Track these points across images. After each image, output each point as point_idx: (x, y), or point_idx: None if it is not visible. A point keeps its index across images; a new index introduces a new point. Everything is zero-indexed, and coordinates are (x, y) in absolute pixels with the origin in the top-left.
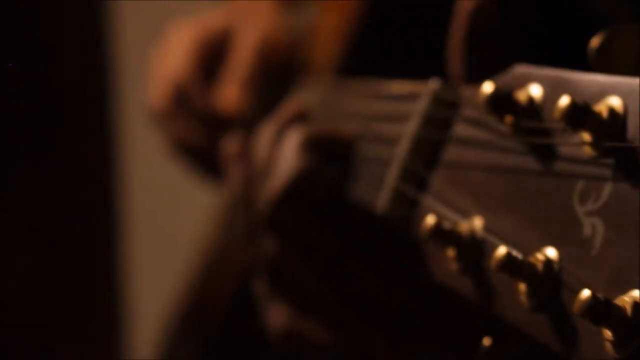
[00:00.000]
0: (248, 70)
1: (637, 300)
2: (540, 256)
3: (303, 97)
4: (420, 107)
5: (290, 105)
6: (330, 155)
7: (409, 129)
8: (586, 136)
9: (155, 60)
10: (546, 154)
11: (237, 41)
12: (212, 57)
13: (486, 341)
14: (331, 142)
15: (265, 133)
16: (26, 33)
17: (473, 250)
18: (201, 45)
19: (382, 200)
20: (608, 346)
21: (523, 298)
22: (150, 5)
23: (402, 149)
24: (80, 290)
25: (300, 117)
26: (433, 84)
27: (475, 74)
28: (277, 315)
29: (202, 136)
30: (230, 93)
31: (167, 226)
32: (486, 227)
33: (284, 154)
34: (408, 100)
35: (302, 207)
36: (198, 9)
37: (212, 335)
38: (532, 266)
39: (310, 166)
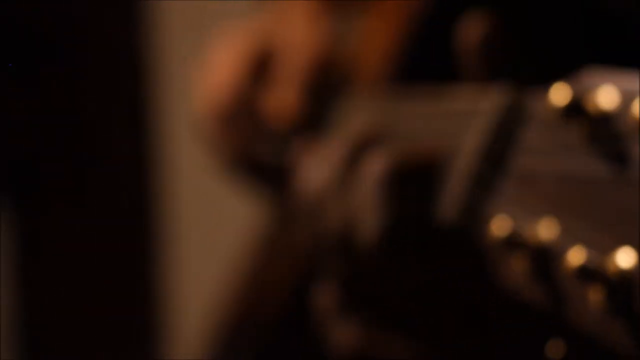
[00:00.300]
0: (303, 75)
1: None
2: (615, 261)
3: (359, 108)
4: (490, 111)
5: (362, 124)
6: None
7: (479, 134)
8: None
9: (202, 69)
10: (621, 159)
11: (286, 45)
12: (262, 62)
13: (557, 346)
14: (418, 166)
15: (334, 155)
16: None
17: (546, 256)
18: (251, 50)
19: (451, 211)
20: None
21: (598, 303)
22: (192, 15)
23: (472, 155)
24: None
25: (374, 141)
26: (501, 91)
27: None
28: (347, 332)
29: (254, 143)
30: (287, 97)
31: (211, 239)
32: (559, 234)
33: (365, 188)
34: (477, 105)
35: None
36: (239, 15)
37: (263, 347)
38: (608, 270)
39: (400, 208)
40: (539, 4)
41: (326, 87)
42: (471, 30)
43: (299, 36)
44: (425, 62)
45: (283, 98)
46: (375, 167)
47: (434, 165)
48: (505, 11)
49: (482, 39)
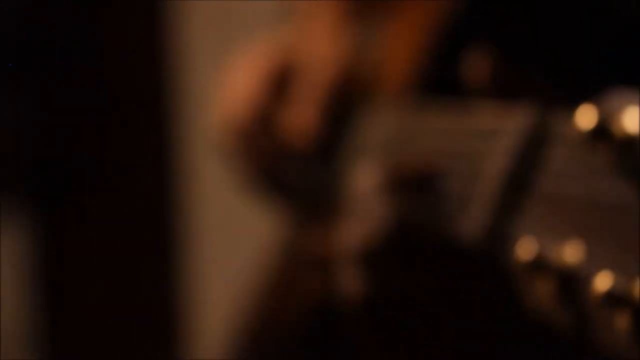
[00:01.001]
0: (323, 91)
1: None
2: None
3: (379, 123)
4: (512, 135)
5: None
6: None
7: (503, 152)
8: None
9: (223, 81)
10: None
11: (308, 61)
12: (283, 77)
13: None
14: (415, 179)
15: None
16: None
17: (571, 281)
18: (272, 65)
19: (477, 234)
20: None
21: (624, 328)
22: (216, 24)
23: (496, 181)
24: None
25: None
26: (525, 111)
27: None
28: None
29: (274, 159)
30: (305, 114)
31: (231, 244)
32: (585, 258)
33: (365, 197)
34: (502, 123)
35: (394, 254)
36: (263, 26)
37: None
38: (633, 297)
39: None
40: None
41: (348, 103)
42: (476, 68)
43: (320, 52)
44: (449, 73)
45: (302, 116)
46: (370, 179)
47: (429, 178)
48: (511, 38)
49: (489, 76)
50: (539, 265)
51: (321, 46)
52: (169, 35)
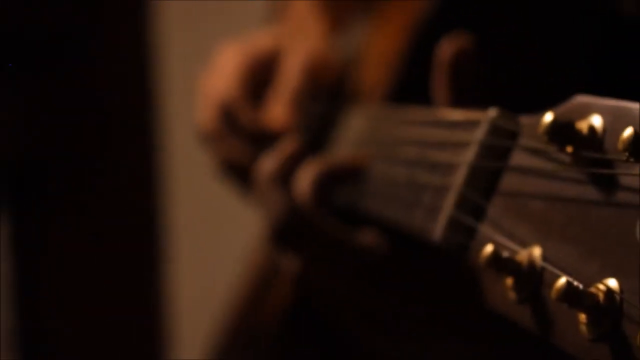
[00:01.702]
0: (295, 90)
1: None
2: (601, 286)
3: (352, 122)
4: (478, 135)
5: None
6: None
7: (467, 157)
8: None
9: (203, 81)
10: (607, 184)
11: (284, 61)
12: (259, 77)
13: None
14: (343, 172)
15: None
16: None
17: (532, 280)
18: (249, 65)
19: (438, 229)
20: None
21: (583, 328)
22: (197, 25)
23: (459, 177)
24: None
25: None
26: (491, 112)
27: (459, 102)
28: None
29: (249, 156)
30: (277, 112)
31: (214, 246)
32: (545, 257)
33: (300, 190)
34: (465, 128)
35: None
36: (245, 30)
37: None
38: (592, 296)
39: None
40: (525, 28)
41: (327, 99)
42: (447, 49)
43: (297, 53)
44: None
45: (274, 112)
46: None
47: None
48: (489, 33)
49: (454, 58)
50: (499, 263)
51: (300, 45)
52: (152, 28)
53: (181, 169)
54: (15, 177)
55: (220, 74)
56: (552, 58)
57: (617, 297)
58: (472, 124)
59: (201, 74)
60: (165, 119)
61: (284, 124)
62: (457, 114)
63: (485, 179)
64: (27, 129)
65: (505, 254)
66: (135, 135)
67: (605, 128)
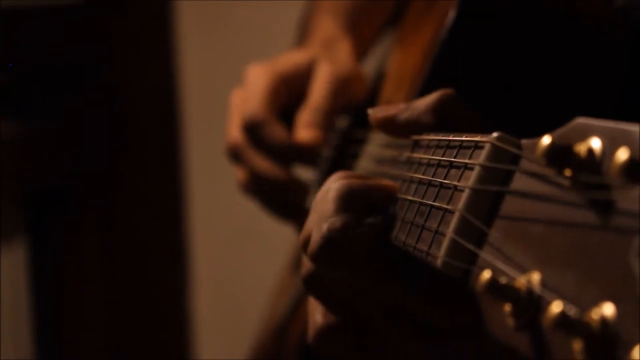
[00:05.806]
0: (324, 108)
1: None
2: (596, 313)
3: (373, 141)
4: (479, 158)
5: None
6: (370, 207)
7: (469, 182)
8: None
9: (233, 99)
10: (604, 208)
11: (313, 79)
12: (288, 95)
13: None
14: (369, 196)
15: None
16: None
17: (529, 306)
18: (278, 84)
19: (440, 253)
20: None
21: (579, 356)
22: (223, 47)
23: (461, 202)
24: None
25: None
26: (493, 136)
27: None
28: None
29: (277, 173)
30: (306, 130)
31: (240, 265)
32: (543, 283)
33: (321, 207)
34: (468, 151)
35: (342, 261)
36: (273, 50)
37: None
38: (587, 324)
39: (346, 222)
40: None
41: (357, 116)
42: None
43: (326, 71)
44: None
45: (303, 129)
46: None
47: (390, 199)
48: (503, 54)
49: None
50: (497, 289)
51: (330, 63)
52: (179, 56)
53: (208, 189)
54: (41, 203)
55: (249, 92)
56: (571, 81)
57: (612, 323)
58: (474, 147)
59: (227, 94)
60: (192, 141)
61: (312, 141)
62: (460, 137)
63: (486, 203)
64: (54, 156)
65: (503, 279)
66: (161, 158)
67: (604, 150)
